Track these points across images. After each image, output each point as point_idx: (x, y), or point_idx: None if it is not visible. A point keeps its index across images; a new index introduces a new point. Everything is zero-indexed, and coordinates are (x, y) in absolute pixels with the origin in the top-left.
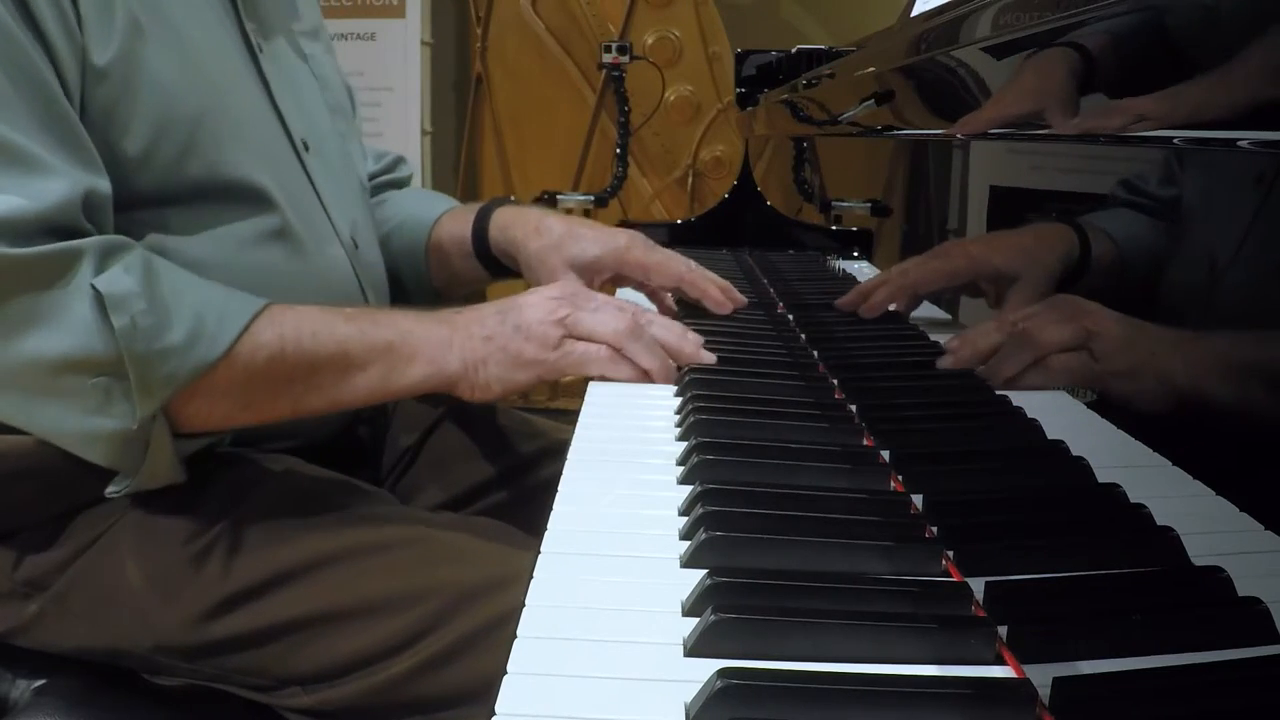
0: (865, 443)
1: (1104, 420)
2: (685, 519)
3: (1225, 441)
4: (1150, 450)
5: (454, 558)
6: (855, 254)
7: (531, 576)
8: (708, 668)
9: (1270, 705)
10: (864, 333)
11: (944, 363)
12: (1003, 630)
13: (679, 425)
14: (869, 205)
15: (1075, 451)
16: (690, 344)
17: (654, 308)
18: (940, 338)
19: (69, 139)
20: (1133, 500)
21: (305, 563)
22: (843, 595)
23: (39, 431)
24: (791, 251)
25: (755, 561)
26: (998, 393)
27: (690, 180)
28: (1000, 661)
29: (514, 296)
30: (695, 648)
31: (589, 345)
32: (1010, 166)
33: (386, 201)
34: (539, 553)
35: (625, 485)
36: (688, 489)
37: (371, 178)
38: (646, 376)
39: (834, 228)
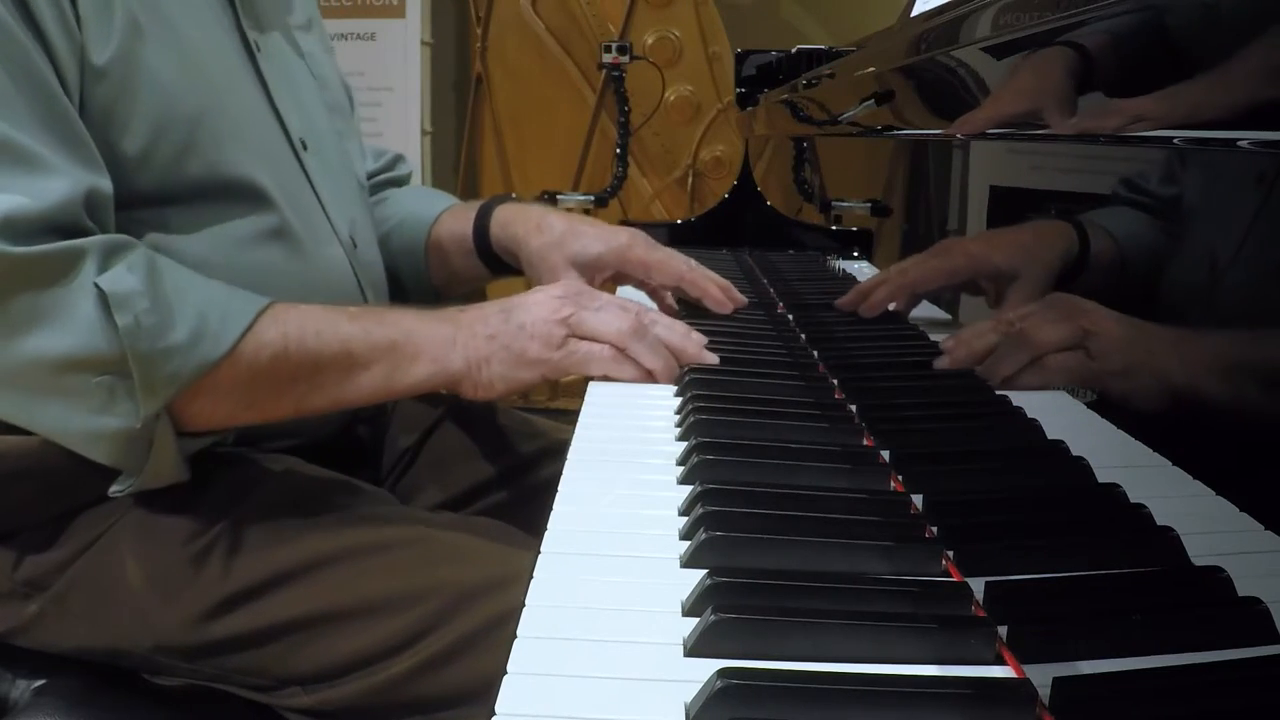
0: (865, 443)
1: (1104, 420)
2: (685, 519)
3: (1225, 441)
4: (1150, 450)
5: (454, 558)
6: (855, 254)
7: (531, 576)
8: (708, 668)
9: (1270, 705)
10: (864, 333)
11: (940, 363)
12: (1003, 630)
13: (679, 425)
14: (869, 205)
15: (1075, 451)
16: (693, 344)
17: (654, 306)
18: (940, 338)
19: (70, 138)
20: (1133, 500)
21: (305, 563)
22: (843, 595)
23: (43, 431)
24: (791, 251)
25: (755, 561)
26: (997, 393)
27: (690, 180)
28: (1000, 661)
29: (518, 295)
30: (695, 648)
31: (593, 345)
32: (1010, 166)
33: (386, 200)
34: (539, 553)
35: (625, 485)
36: (688, 489)
37: (370, 176)
38: (650, 376)
39: (834, 228)
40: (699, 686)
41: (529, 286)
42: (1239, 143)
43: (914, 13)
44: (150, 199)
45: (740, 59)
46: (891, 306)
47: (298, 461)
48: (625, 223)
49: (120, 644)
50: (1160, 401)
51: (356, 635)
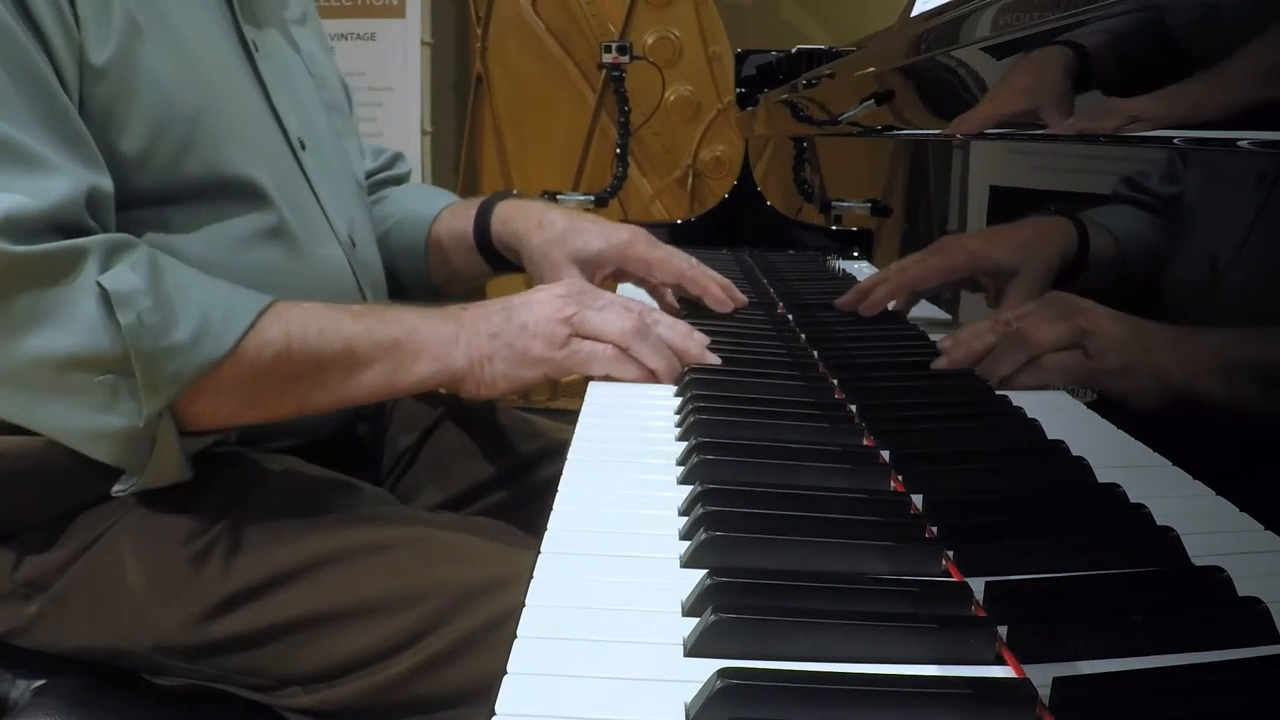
0: (865, 443)
1: (1104, 420)
2: (685, 519)
3: (1225, 441)
4: (1150, 450)
5: (454, 558)
6: (855, 254)
7: (531, 576)
8: (708, 668)
9: (1270, 705)
10: (864, 333)
11: (939, 364)
12: (1003, 630)
13: (679, 425)
14: (869, 205)
15: (1075, 451)
16: (696, 345)
17: (655, 304)
18: (940, 338)
19: (71, 137)
20: (1133, 500)
21: (305, 563)
22: (843, 595)
23: (45, 430)
24: (791, 251)
25: (755, 561)
26: (997, 393)
27: (690, 180)
28: (1000, 661)
29: (521, 293)
30: (695, 648)
31: (595, 344)
32: (1010, 166)
33: (386, 198)
34: (539, 553)
35: (625, 485)
36: (688, 489)
37: (370, 175)
38: (652, 376)
39: (834, 228)
40: (699, 686)
41: (529, 284)
42: (1239, 143)
43: (914, 13)
44: (149, 199)
45: (740, 59)
46: (891, 305)
47: (298, 461)
48: (625, 222)
49: (120, 644)
50: (1159, 400)
51: (356, 635)
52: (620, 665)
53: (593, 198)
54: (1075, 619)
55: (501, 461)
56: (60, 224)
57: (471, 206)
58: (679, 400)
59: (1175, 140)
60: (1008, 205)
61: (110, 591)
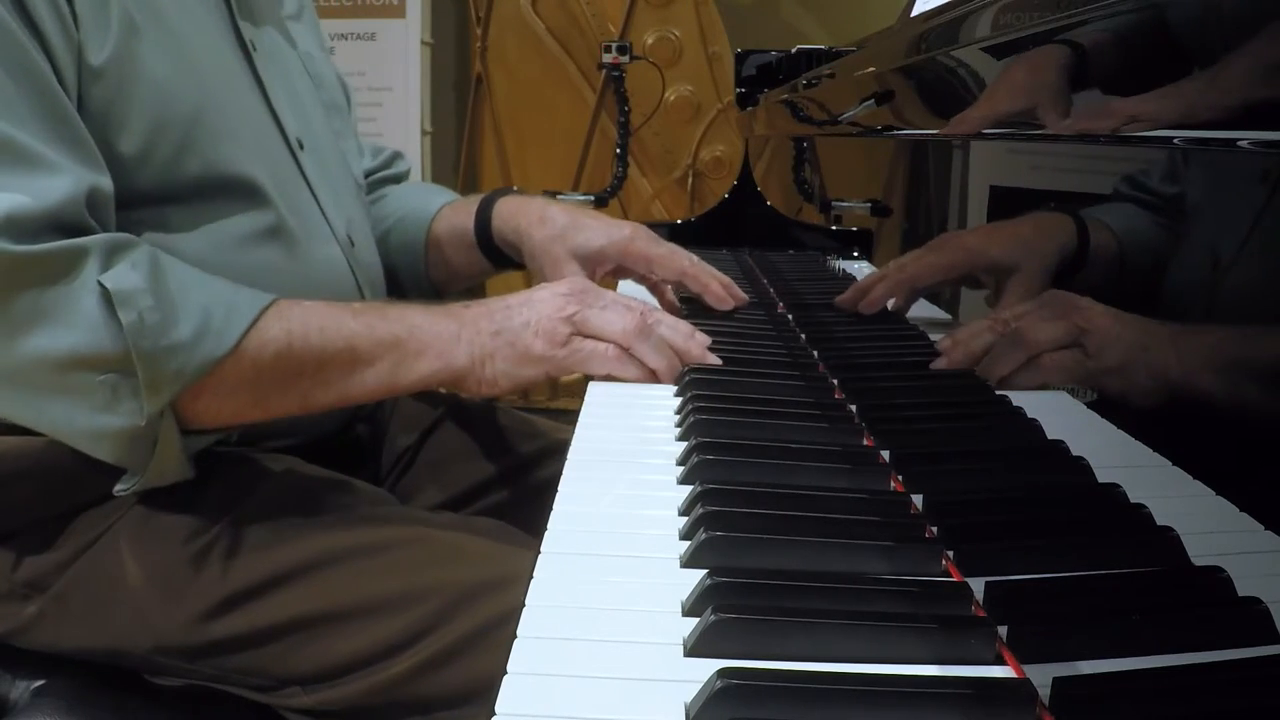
0: (865, 443)
1: (1104, 420)
2: (685, 519)
3: (1225, 441)
4: (1150, 450)
5: (454, 558)
6: (855, 254)
7: (531, 576)
8: (708, 668)
9: (1270, 705)
10: (864, 332)
11: (938, 364)
12: (1003, 630)
13: (679, 425)
14: (869, 205)
15: (1075, 451)
16: (697, 345)
17: (655, 301)
18: (940, 338)
19: (71, 137)
20: (1133, 500)
21: (305, 563)
22: (843, 595)
23: (47, 429)
24: (791, 251)
25: (755, 561)
26: (997, 393)
27: (690, 180)
28: (1000, 661)
29: (523, 291)
30: (695, 648)
31: (597, 344)
32: (1010, 166)
33: (385, 197)
34: (539, 553)
35: (625, 485)
36: (688, 489)
37: (369, 174)
38: (654, 376)
39: (834, 228)
40: (699, 686)
41: (529, 282)
42: (1238, 143)
43: (914, 13)
44: (148, 198)
45: (740, 59)
46: (890, 303)
47: (298, 461)
48: None
49: (120, 644)
50: (1158, 398)
51: (356, 635)
52: (620, 665)
53: (593, 197)
54: (1075, 619)
55: (501, 461)
56: (61, 223)
57: (472, 203)
58: (679, 400)
59: (1175, 140)
60: (1008, 205)
61: (110, 592)
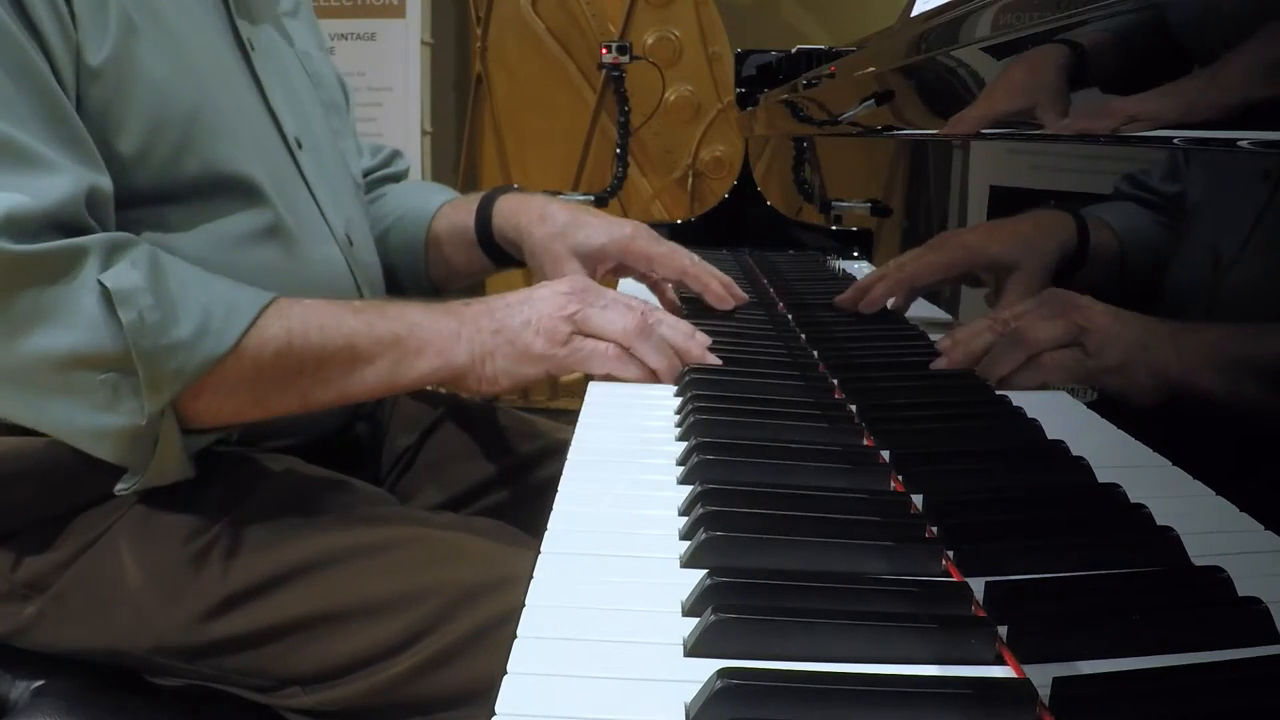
0: (865, 443)
1: (1104, 420)
2: (685, 519)
3: (1225, 441)
4: (1150, 450)
5: (454, 558)
6: (855, 254)
7: (531, 576)
8: (708, 668)
9: (1270, 705)
10: (864, 332)
11: (937, 364)
12: (1003, 630)
13: (679, 425)
14: (869, 205)
15: (1075, 451)
16: (697, 345)
17: (655, 299)
18: (939, 338)
19: (71, 136)
20: (1133, 500)
21: (305, 563)
22: (843, 595)
23: (48, 429)
24: (791, 251)
25: (755, 561)
26: (997, 393)
27: (690, 180)
28: (1000, 661)
29: (523, 290)
30: (695, 648)
31: (597, 343)
32: (1010, 166)
33: (385, 196)
34: (539, 553)
35: (625, 485)
36: (688, 489)
37: (368, 173)
38: (654, 376)
39: (834, 228)
40: (699, 686)
41: (529, 280)
42: (1239, 143)
43: (914, 13)
44: (147, 198)
45: (740, 59)
46: (890, 303)
47: (297, 461)
48: None
49: (120, 644)
50: (1158, 396)
51: (356, 635)
52: (620, 665)
53: (593, 198)
54: (1075, 619)
55: (501, 461)
56: (60, 223)
57: (472, 201)
58: (679, 400)
59: (1175, 140)
60: (1007, 205)
61: (109, 592)
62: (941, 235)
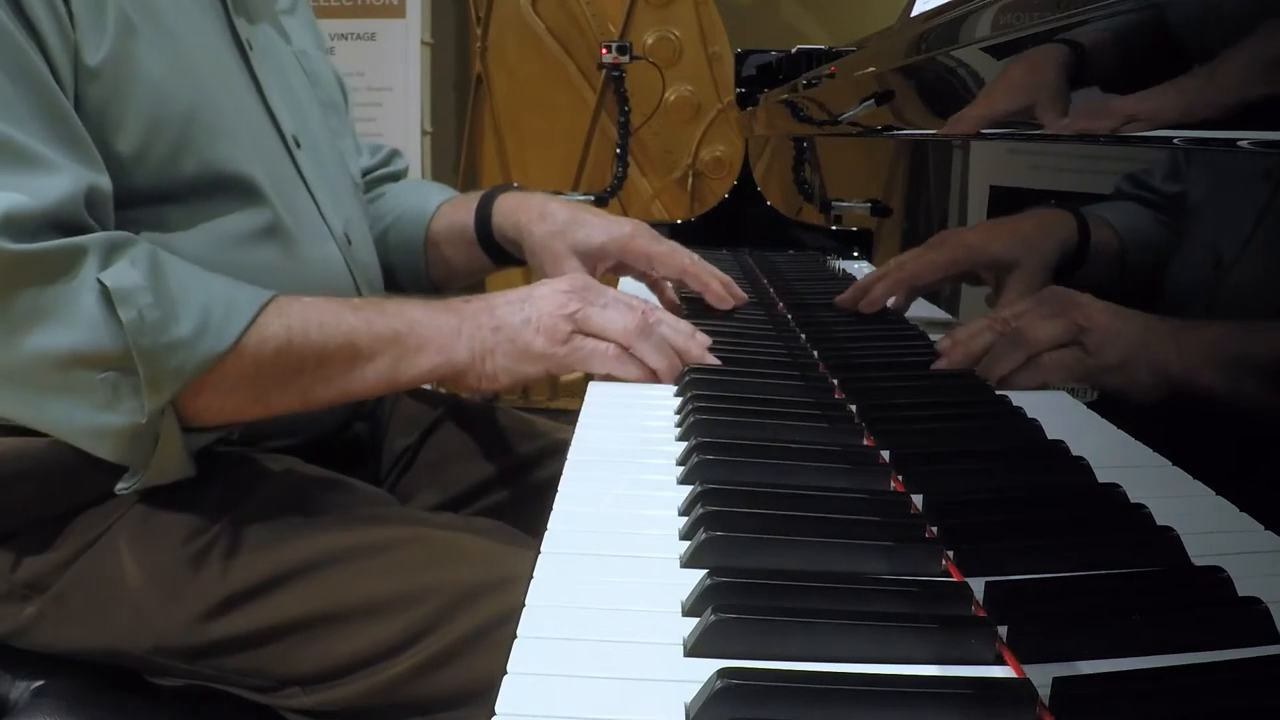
0: (865, 443)
1: (1104, 420)
2: (685, 519)
3: (1225, 441)
4: (1150, 450)
5: (454, 558)
6: (855, 254)
7: (531, 576)
8: (708, 668)
9: (1270, 705)
10: (864, 332)
11: (937, 364)
12: (1003, 630)
13: (679, 425)
14: (869, 205)
15: (1075, 451)
16: (697, 345)
17: (654, 298)
18: (939, 338)
19: (70, 136)
20: (1133, 500)
21: (305, 563)
22: (843, 595)
23: (48, 428)
24: (791, 251)
25: (755, 561)
26: (997, 393)
27: (690, 180)
28: (1000, 661)
29: (524, 287)
30: (695, 648)
31: (598, 342)
32: (1010, 166)
33: (383, 195)
34: (539, 553)
35: (625, 485)
36: (688, 489)
37: (367, 172)
38: (654, 376)
39: (834, 228)
40: (699, 686)
41: (529, 278)
42: (1239, 143)
43: (914, 13)
44: (146, 197)
45: (740, 59)
46: (891, 302)
47: (297, 461)
48: None
49: (119, 645)
50: (1158, 394)
51: (356, 635)
52: (620, 665)
53: (593, 198)
54: (1075, 619)
55: (501, 462)
56: (60, 222)
57: (472, 200)
58: (679, 400)
59: (1175, 140)
60: (1007, 205)
61: (109, 592)
62: (942, 234)
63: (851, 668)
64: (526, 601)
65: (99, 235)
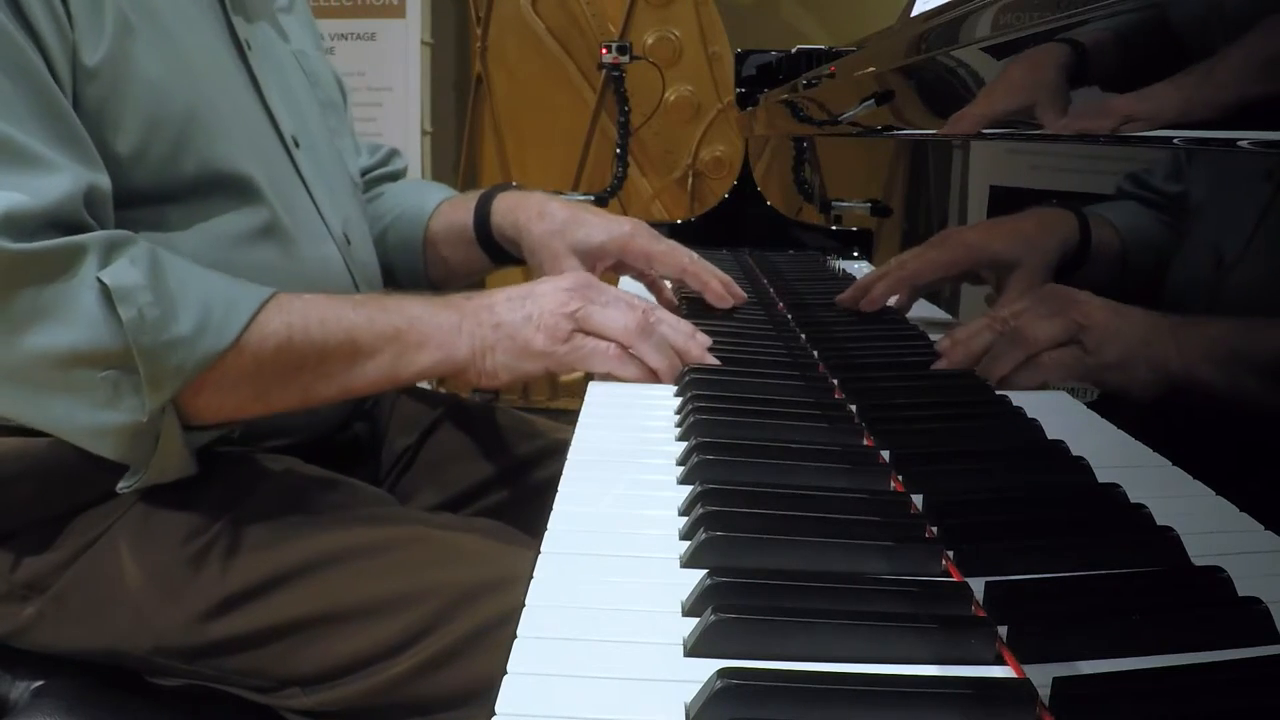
0: (865, 443)
1: (1104, 420)
2: (685, 519)
3: (1225, 441)
4: (1150, 450)
5: (454, 558)
6: (855, 254)
7: (531, 576)
8: (708, 668)
9: (1270, 705)
10: (864, 332)
11: (937, 365)
12: (1003, 630)
13: (679, 425)
14: (869, 205)
15: (1075, 451)
16: (697, 346)
17: (653, 298)
18: (939, 338)
19: (69, 136)
20: (1133, 500)
21: (305, 563)
22: (843, 595)
23: (49, 427)
24: (791, 251)
25: (755, 561)
26: (997, 393)
27: (690, 180)
28: (1000, 661)
29: (525, 284)
30: (695, 648)
31: (598, 342)
32: (1010, 166)
33: (382, 195)
34: (539, 553)
35: (625, 485)
36: (688, 489)
37: (365, 172)
38: (654, 376)
39: (834, 228)
40: (699, 686)
41: (528, 278)
42: (1239, 143)
43: (914, 13)
44: (144, 197)
45: (740, 59)
46: (892, 301)
47: (297, 462)
48: None
49: (119, 645)
50: (1158, 391)
51: (356, 636)
52: (620, 665)
53: (593, 198)
54: (1075, 619)
55: (500, 462)
56: (59, 221)
57: (470, 199)
58: (679, 400)
59: (1175, 140)
60: (1007, 205)
61: (109, 592)
62: (943, 233)
63: (851, 668)
64: (526, 601)
65: (99, 234)
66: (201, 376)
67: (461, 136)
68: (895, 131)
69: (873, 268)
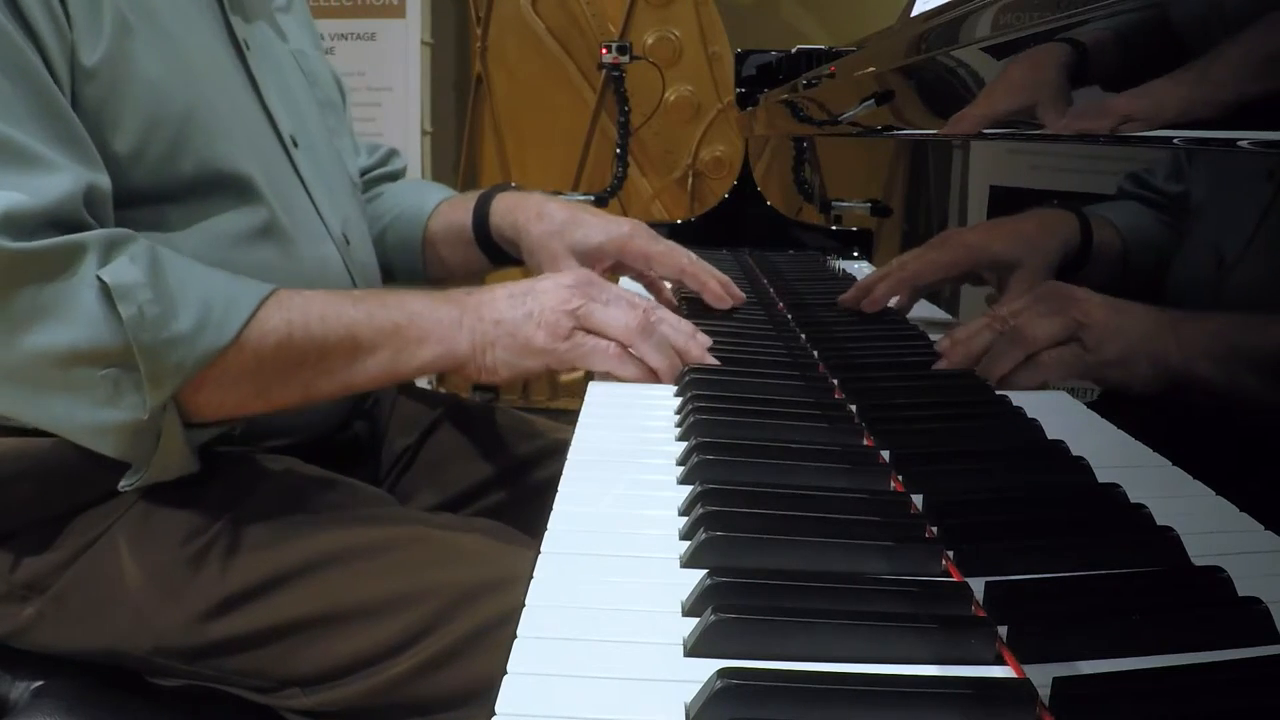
0: (865, 443)
1: (1104, 420)
2: (685, 519)
3: (1225, 441)
4: (1150, 450)
5: (454, 558)
6: (855, 254)
7: (531, 576)
8: (708, 668)
9: (1270, 705)
10: (864, 332)
11: (938, 365)
12: (1003, 630)
13: (679, 425)
14: (869, 205)
15: (1075, 451)
16: (698, 345)
17: (652, 298)
18: (939, 338)
19: (68, 135)
20: (1133, 500)
21: (305, 563)
22: (843, 595)
23: (50, 426)
24: (791, 251)
25: (755, 561)
26: (997, 393)
27: (690, 180)
28: (1000, 661)
29: (527, 280)
30: (695, 648)
31: (599, 340)
32: (1010, 166)
33: (382, 195)
34: (539, 553)
35: (625, 485)
36: (688, 489)
37: (365, 172)
38: (654, 376)
39: (834, 228)
40: (699, 686)
41: (526, 277)
42: (1239, 143)
43: (914, 13)
44: (143, 197)
45: (740, 59)
46: (893, 302)
47: (297, 462)
48: None
49: (119, 645)
50: (1158, 387)
51: (356, 636)
52: (620, 665)
53: (593, 198)
54: (1075, 619)
55: (500, 462)
56: (59, 220)
57: (469, 199)
58: (679, 400)
59: (1175, 140)
60: (1007, 205)
61: (109, 592)
62: (944, 234)
63: (851, 668)
64: (526, 601)
65: (98, 232)
66: (202, 373)
67: (461, 136)
68: (895, 131)
69: (873, 268)
